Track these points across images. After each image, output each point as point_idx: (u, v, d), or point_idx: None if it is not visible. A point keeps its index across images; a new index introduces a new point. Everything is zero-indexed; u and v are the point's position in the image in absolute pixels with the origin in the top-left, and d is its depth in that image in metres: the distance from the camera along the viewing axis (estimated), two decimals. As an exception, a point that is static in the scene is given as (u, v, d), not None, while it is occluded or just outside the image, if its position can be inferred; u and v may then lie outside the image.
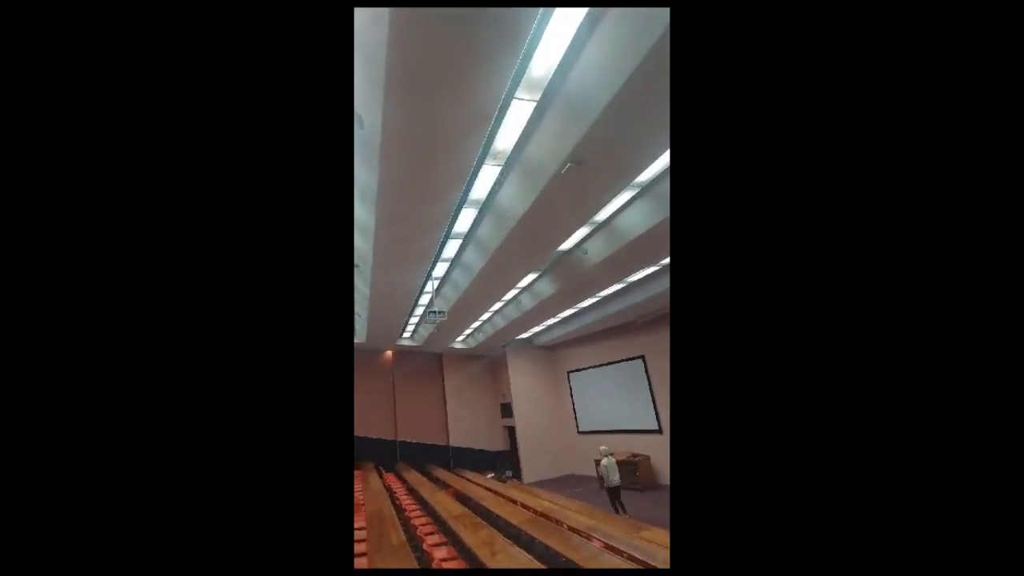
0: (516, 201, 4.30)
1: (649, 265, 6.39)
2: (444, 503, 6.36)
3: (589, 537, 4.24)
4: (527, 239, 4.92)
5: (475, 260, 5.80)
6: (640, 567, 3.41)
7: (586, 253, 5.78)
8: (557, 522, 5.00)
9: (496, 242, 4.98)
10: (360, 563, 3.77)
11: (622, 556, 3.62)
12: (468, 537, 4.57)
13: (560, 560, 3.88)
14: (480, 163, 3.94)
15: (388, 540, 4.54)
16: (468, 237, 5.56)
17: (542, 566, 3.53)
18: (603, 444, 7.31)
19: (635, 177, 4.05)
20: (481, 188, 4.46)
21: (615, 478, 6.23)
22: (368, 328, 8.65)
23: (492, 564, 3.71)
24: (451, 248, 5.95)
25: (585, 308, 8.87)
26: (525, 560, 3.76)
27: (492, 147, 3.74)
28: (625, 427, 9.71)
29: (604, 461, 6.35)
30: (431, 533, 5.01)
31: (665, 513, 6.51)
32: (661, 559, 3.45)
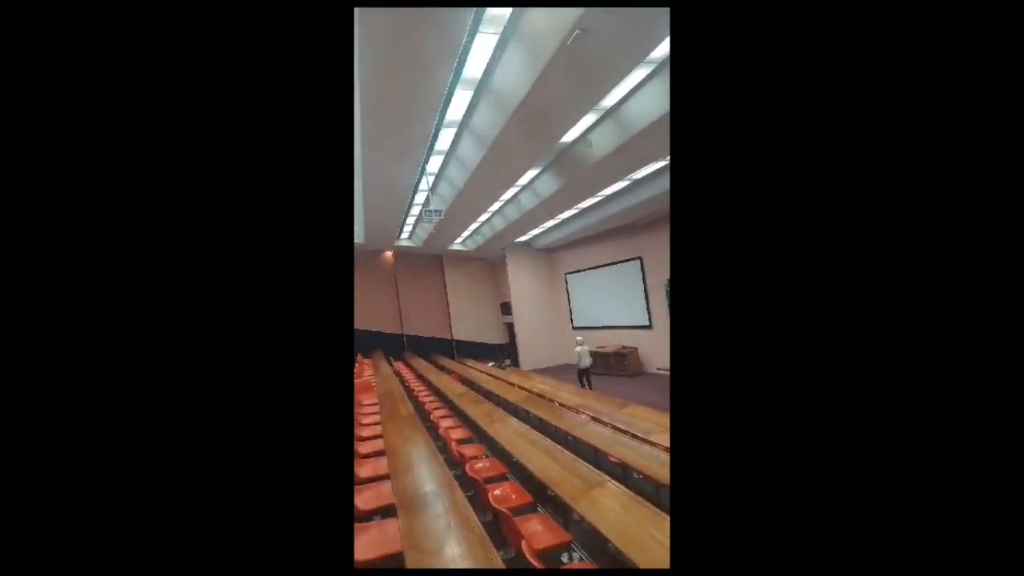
0: (516, 82, 3.92)
1: (657, 160, 6.09)
2: (448, 385, 7.00)
3: (577, 411, 4.74)
4: (528, 127, 4.59)
5: (472, 153, 5.50)
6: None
7: (591, 146, 5.47)
8: (549, 400, 5.53)
9: (494, 131, 4.67)
10: (375, 430, 4.26)
11: (606, 426, 4.08)
12: (471, 410, 5.12)
13: (550, 428, 4.39)
14: (474, 32, 3.49)
15: (398, 411, 5.09)
16: (463, 126, 5.19)
17: (536, 434, 4.00)
18: (579, 336, 8.62)
19: (651, 50, 3.58)
20: (476, 65, 4.03)
21: (586, 362, 7.71)
22: (365, 228, 8.59)
23: (491, 431, 4.21)
24: (446, 138, 5.60)
25: (586, 209, 8.71)
26: (518, 426, 4.26)
27: (486, 11, 3.28)
28: (618, 323, 10.25)
29: (578, 349, 7.84)
30: (438, 408, 5.60)
31: (646, 395, 7.27)
32: (640, 428, 3.87)
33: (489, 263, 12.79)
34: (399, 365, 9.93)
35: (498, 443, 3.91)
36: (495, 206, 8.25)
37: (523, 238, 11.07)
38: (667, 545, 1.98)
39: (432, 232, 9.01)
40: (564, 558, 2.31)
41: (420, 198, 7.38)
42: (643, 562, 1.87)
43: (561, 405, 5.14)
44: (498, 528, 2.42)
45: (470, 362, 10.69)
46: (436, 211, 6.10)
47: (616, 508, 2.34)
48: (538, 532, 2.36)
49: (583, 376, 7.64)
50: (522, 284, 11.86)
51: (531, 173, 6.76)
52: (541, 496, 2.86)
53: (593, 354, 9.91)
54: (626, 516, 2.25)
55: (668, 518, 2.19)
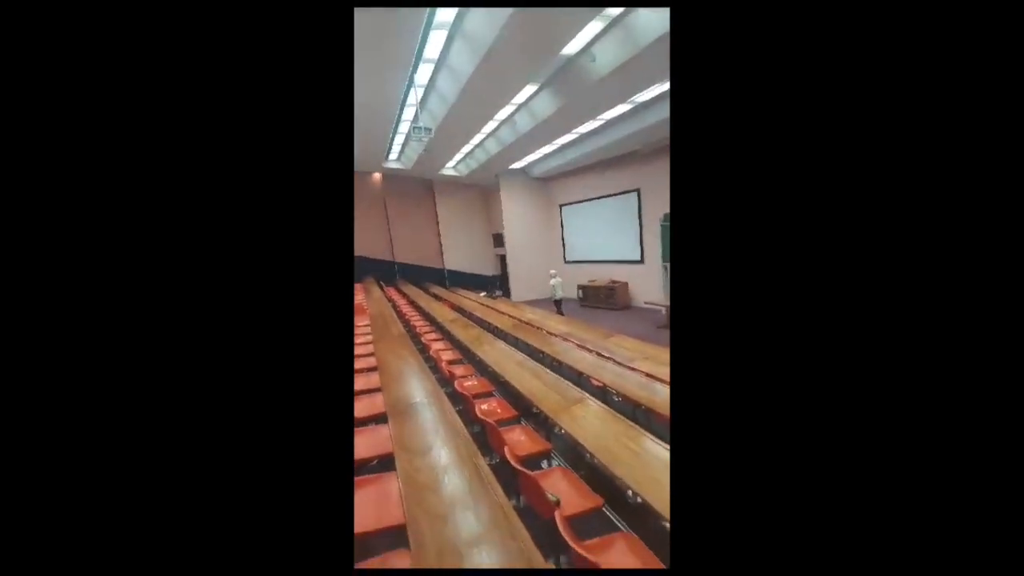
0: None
1: (662, 81, 5.64)
2: (439, 310, 7.11)
3: (564, 339, 4.88)
4: (527, 31, 4.14)
5: (465, 63, 5.01)
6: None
7: (594, 60, 5.00)
8: (538, 328, 5.67)
9: (490, 36, 4.21)
10: (366, 348, 4.37)
11: (590, 352, 4.21)
12: (460, 334, 5.24)
13: (538, 354, 4.53)
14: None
15: (389, 332, 5.20)
16: (455, 28, 4.66)
17: (522, 355, 4.12)
18: (553, 270, 9.21)
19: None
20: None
21: (560, 293, 8.56)
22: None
23: (479, 353, 4.34)
24: (436, 44, 5.06)
25: (585, 135, 8.24)
26: (505, 348, 4.39)
27: None
28: (610, 258, 10.26)
29: (552, 281, 8.61)
30: (429, 331, 5.72)
31: (632, 326, 7.54)
32: (622, 356, 4.00)
33: (482, 191, 12.39)
34: (391, 291, 10.00)
35: (486, 364, 4.04)
36: (488, 127, 7.76)
37: (518, 164, 10.60)
38: (639, 452, 2.14)
39: (422, 153, 8.55)
40: (543, 464, 2.48)
41: (408, 114, 6.87)
42: (614, 466, 2.02)
43: (549, 333, 5.28)
44: (484, 438, 2.57)
45: (462, 292, 10.80)
46: (425, 128, 5.71)
47: (594, 422, 2.49)
48: (521, 441, 2.54)
49: (558, 306, 8.38)
50: (516, 215, 11.60)
51: (528, 90, 6.26)
52: (526, 412, 3.01)
53: (583, 288, 10.16)
54: (603, 428, 2.40)
55: (643, 432, 2.35)
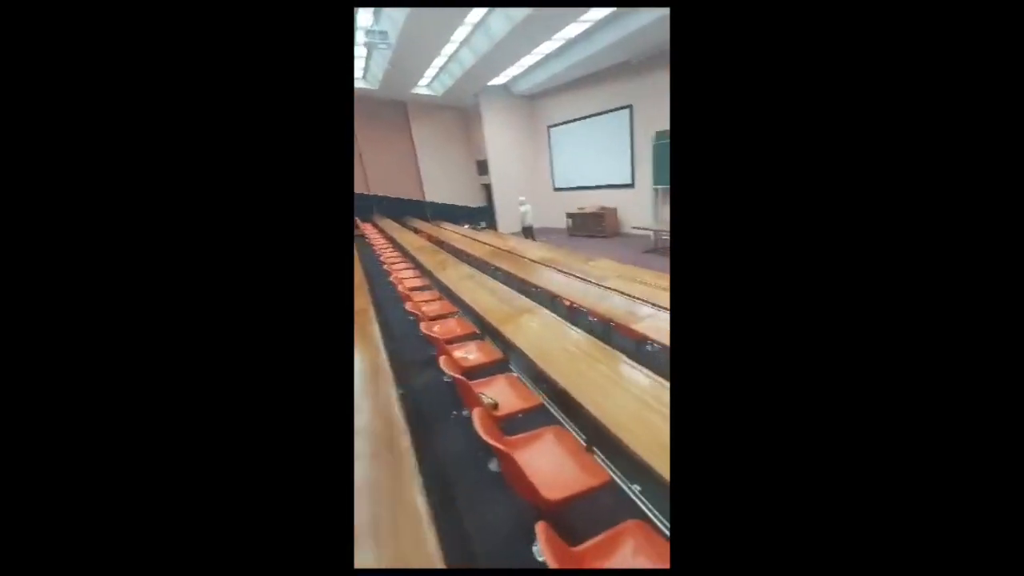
0: None
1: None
2: (411, 240, 6.86)
3: (543, 264, 4.71)
4: None
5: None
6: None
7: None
8: (518, 255, 5.50)
9: None
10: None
11: (565, 274, 4.05)
12: (425, 259, 5.13)
13: (514, 282, 4.37)
14: None
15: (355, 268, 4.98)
16: None
17: (482, 276, 3.95)
18: (522, 196, 9.23)
19: None
20: None
21: (529, 220, 8.60)
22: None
23: (440, 275, 4.23)
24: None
25: (570, 42, 7.37)
26: (466, 270, 4.30)
27: None
28: (599, 183, 9.77)
29: (522, 208, 8.57)
30: (395, 260, 5.52)
31: (615, 251, 7.37)
32: (595, 275, 3.89)
33: (462, 113, 11.49)
34: (366, 227, 9.62)
35: (446, 286, 4.00)
36: (460, 34, 6.90)
37: (499, 80, 9.68)
38: (574, 352, 2.17)
39: (388, 69, 7.72)
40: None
41: (366, 20, 6.03)
42: (542, 361, 2.09)
43: (529, 259, 5.11)
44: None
45: (446, 225, 10.42)
46: (380, 32, 5.00)
47: (536, 328, 2.59)
48: (472, 355, 2.53)
49: (527, 233, 8.48)
50: (499, 139, 10.85)
51: (500, -18, 5.42)
52: (484, 328, 2.97)
53: (572, 215, 9.81)
54: (544, 332, 2.51)
55: (585, 335, 2.39)
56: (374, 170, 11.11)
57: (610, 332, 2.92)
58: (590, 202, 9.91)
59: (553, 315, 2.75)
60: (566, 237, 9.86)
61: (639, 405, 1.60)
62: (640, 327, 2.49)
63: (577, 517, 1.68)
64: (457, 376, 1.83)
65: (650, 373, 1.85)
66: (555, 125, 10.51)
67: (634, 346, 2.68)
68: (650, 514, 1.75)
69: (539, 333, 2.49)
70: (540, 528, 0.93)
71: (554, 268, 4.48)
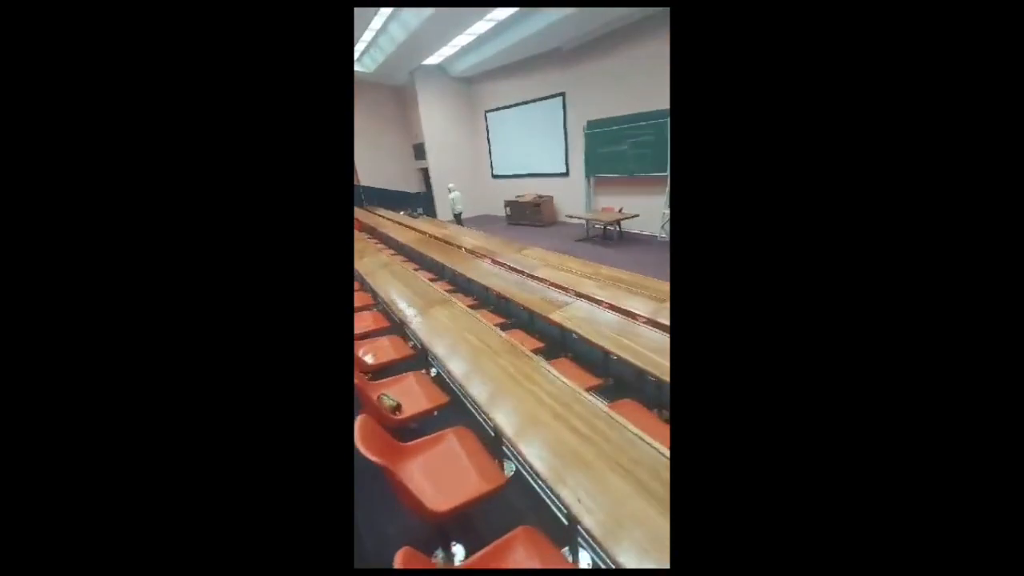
0: None
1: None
2: None
3: (474, 253, 4.61)
4: None
5: None
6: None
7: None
8: (447, 243, 5.36)
9: None
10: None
11: (494, 264, 3.98)
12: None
13: (446, 272, 4.22)
14: None
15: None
16: None
17: (400, 264, 3.79)
18: (451, 183, 9.41)
19: None
20: None
21: (459, 208, 8.78)
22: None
23: (359, 267, 3.98)
24: None
25: (504, 23, 7.20)
26: (385, 258, 4.13)
27: None
28: (537, 171, 9.78)
29: (451, 195, 8.80)
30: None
31: (549, 240, 7.45)
32: (525, 264, 3.87)
33: (397, 93, 10.92)
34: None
35: (362, 275, 3.80)
36: (385, 9, 6.46)
37: (433, 60, 9.28)
38: (477, 346, 2.11)
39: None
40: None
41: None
42: (445, 355, 2.06)
43: (461, 248, 4.99)
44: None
45: (380, 211, 9.92)
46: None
47: (444, 319, 2.52)
48: (382, 349, 2.39)
49: (457, 220, 8.67)
50: (436, 122, 10.46)
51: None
52: (396, 322, 2.84)
53: (510, 203, 9.76)
54: (451, 324, 2.44)
55: (492, 328, 2.33)
56: (299, 151, 10.24)
57: (534, 321, 2.93)
58: (528, 190, 9.92)
59: (463, 307, 2.68)
60: (504, 226, 9.81)
61: (534, 403, 1.58)
62: (557, 316, 2.49)
63: (482, 521, 1.64)
64: (358, 382, 1.69)
65: (550, 368, 1.83)
66: (492, 110, 10.32)
67: (559, 334, 2.69)
68: (555, 509, 1.76)
69: (446, 325, 2.41)
70: (400, 555, 0.86)
71: (486, 257, 4.42)
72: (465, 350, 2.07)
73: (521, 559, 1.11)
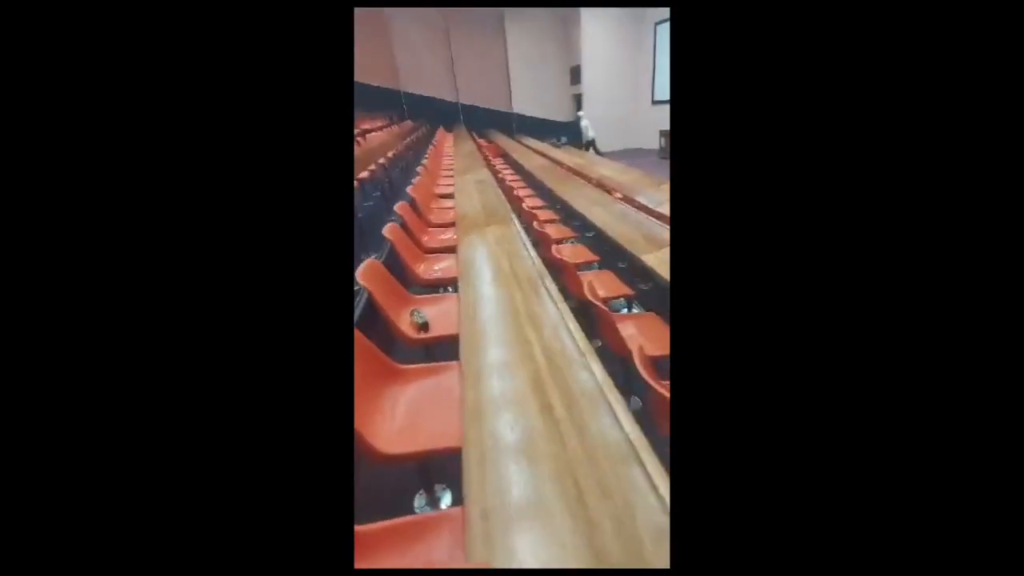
0: None
1: None
2: (470, 148, 6.47)
3: (602, 186, 4.05)
4: None
5: None
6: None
7: None
8: (578, 173, 4.86)
9: None
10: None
11: (619, 200, 3.39)
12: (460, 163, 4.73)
13: (550, 192, 3.83)
14: None
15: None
16: None
17: (480, 183, 3.50)
18: (582, 111, 9.13)
19: None
20: None
21: (591, 134, 8.67)
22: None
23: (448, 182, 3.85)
24: None
25: None
26: (472, 178, 3.85)
27: None
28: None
29: (582, 123, 8.80)
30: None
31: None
32: (655, 199, 3.18)
33: (562, 19, 9.97)
34: (441, 134, 9.33)
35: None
36: None
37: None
38: (507, 274, 1.71)
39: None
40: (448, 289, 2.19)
41: None
42: (464, 277, 1.73)
43: (581, 176, 4.47)
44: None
45: (528, 140, 9.68)
46: None
47: (491, 241, 2.27)
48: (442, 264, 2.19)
49: (589, 147, 8.49)
50: (597, 38, 9.30)
51: None
52: None
53: (666, 133, 8.37)
54: (494, 249, 2.15)
55: (531, 258, 1.91)
56: (464, 78, 10.51)
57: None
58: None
59: (518, 230, 2.43)
60: (656, 160, 8.51)
61: (518, 357, 1.21)
62: (651, 258, 1.90)
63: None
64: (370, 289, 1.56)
65: (566, 318, 1.39)
66: (663, 21, 8.56)
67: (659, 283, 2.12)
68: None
69: (489, 249, 2.15)
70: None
71: (615, 192, 3.82)
72: (488, 275, 1.82)
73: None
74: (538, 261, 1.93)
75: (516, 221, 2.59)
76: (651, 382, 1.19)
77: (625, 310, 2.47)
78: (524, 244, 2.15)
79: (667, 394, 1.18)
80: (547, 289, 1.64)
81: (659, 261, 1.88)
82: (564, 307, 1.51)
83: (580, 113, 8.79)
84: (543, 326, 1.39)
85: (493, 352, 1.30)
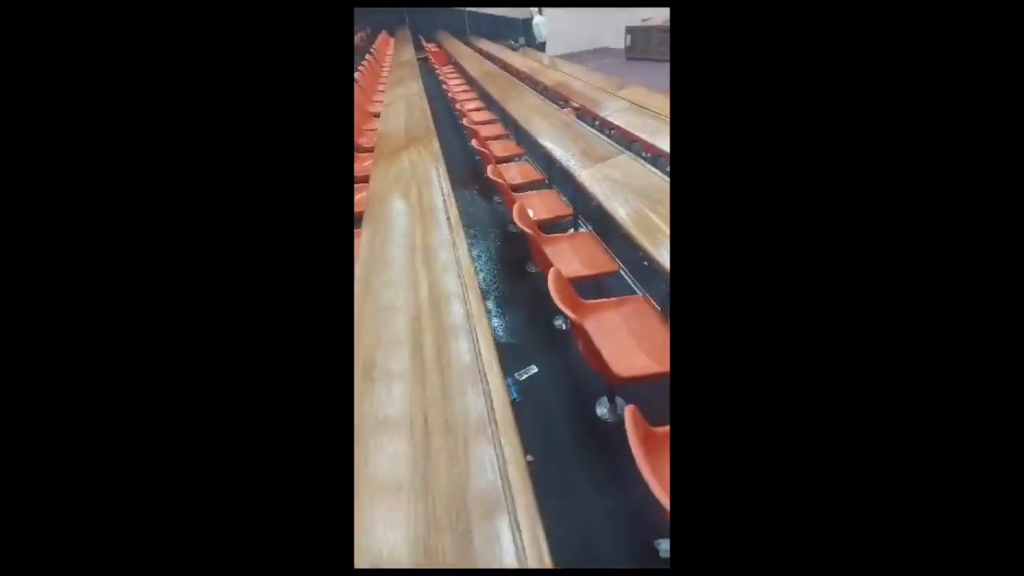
0: None
1: None
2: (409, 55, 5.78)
3: (553, 90, 3.68)
4: None
5: None
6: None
7: None
8: (532, 78, 4.47)
9: None
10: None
11: (564, 108, 3.08)
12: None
13: (500, 104, 3.49)
14: None
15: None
16: None
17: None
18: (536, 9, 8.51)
19: None
20: None
21: (544, 34, 8.06)
22: None
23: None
24: None
25: None
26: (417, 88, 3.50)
27: None
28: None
29: (535, 20, 8.01)
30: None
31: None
32: (607, 108, 2.90)
33: None
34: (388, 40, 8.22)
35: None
36: None
37: None
38: (413, 202, 1.56)
39: None
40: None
41: None
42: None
43: (533, 79, 4.07)
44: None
45: (482, 43, 8.64)
46: None
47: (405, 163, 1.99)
48: None
49: (541, 49, 7.93)
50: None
51: None
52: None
53: (632, 31, 7.62)
54: (404, 172, 1.90)
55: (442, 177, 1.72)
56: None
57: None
58: (661, 14, 7.41)
59: (435, 151, 2.19)
60: (621, 60, 7.83)
61: (407, 291, 1.15)
62: (585, 174, 1.75)
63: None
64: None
65: (458, 243, 1.34)
66: None
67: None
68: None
69: (397, 173, 1.99)
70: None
71: (572, 100, 3.51)
72: (392, 204, 1.67)
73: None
74: (447, 187, 1.74)
75: (436, 142, 2.32)
76: (561, 305, 1.13)
77: (572, 230, 2.36)
78: (436, 170, 1.93)
79: (575, 317, 1.14)
80: (449, 219, 1.49)
81: (593, 178, 1.73)
82: (460, 238, 1.39)
83: (533, 9, 8.05)
84: (440, 257, 1.29)
85: (384, 295, 1.19)
